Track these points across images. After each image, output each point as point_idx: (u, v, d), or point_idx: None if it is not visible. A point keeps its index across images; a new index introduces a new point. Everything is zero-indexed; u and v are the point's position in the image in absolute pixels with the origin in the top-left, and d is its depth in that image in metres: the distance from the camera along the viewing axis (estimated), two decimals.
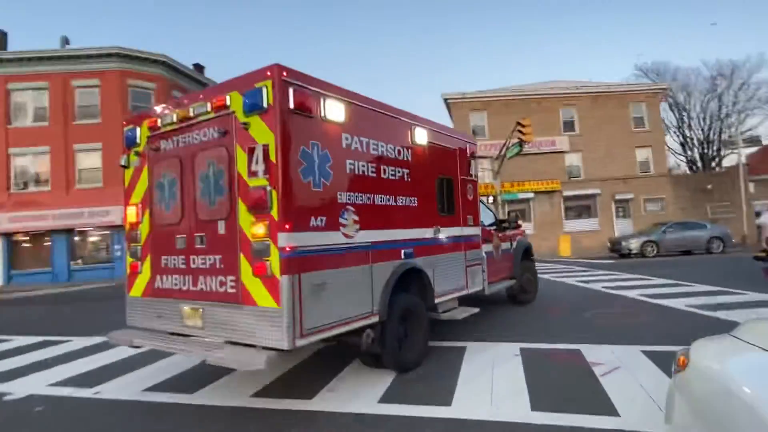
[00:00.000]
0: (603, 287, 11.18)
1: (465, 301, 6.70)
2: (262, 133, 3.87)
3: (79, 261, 24.54)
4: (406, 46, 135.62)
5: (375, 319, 4.66)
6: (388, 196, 5.07)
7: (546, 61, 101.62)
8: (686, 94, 42.17)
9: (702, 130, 42.49)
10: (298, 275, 3.80)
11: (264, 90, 3.84)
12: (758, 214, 28.67)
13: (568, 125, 29.63)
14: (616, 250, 21.48)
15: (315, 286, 3.96)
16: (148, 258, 4.91)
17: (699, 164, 42.92)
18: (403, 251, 5.20)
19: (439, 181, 6.18)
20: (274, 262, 3.75)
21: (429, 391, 4.47)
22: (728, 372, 1.72)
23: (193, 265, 4.44)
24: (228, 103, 4.10)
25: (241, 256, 3.99)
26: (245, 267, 3.95)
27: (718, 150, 41.75)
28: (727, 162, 40.05)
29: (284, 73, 3.90)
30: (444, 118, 30.09)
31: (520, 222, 9.35)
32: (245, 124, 3.96)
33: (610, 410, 3.77)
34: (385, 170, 5.07)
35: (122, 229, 20.54)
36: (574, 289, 11.15)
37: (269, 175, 3.79)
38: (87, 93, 24.42)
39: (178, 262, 4.57)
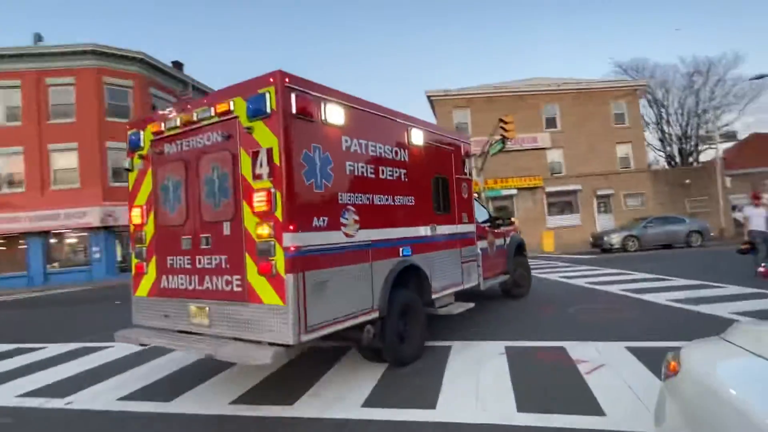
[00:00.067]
0: (586, 282, 11.25)
1: (460, 296, 6.82)
2: (266, 137, 4.00)
3: (56, 264, 23.90)
4: (388, 44, 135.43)
5: (375, 314, 4.82)
6: (386, 196, 5.23)
7: (528, 58, 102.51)
8: (664, 91, 42.89)
9: (680, 125, 43.29)
10: (302, 273, 3.94)
11: (267, 95, 3.97)
12: (734, 208, 29.40)
13: (550, 122, 29.90)
14: (598, 245, 21.74)
15: (318, 283, 4.11)
16: (154, 259, 5.02)
17: (677, 159, 43.73)
18: (401, 249, 5.36)
19: (435, 181, 6.32)
20: (279, 261, 3.89)
21: (413, 393, 4.39)
22: (721, 379, 1.67)
23: (198, 265, 4.55)
24: (232, 108, 4.23)
25: (247, 255, 4.13)
26: (251, 266, 4.09)
27: (696, 145, 42.57)
28: (705, 157, 40.90)
29: (286, 79, 4.03)
30: (427, 115, 30.11)
31: (513, 219, 9.45)
32: (249, 128, 4.10)
33: (596, 410, 3.73)
34: (383, 171, 5.22)
35: (99, 231, 20.12)
36: (557, 285, 11.20)
37: (273, 177, 3.93)
38: (61, 91, 23.73)
39: (184, 263, 4.69)
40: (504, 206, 28.05)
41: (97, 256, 23.50)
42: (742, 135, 40.62)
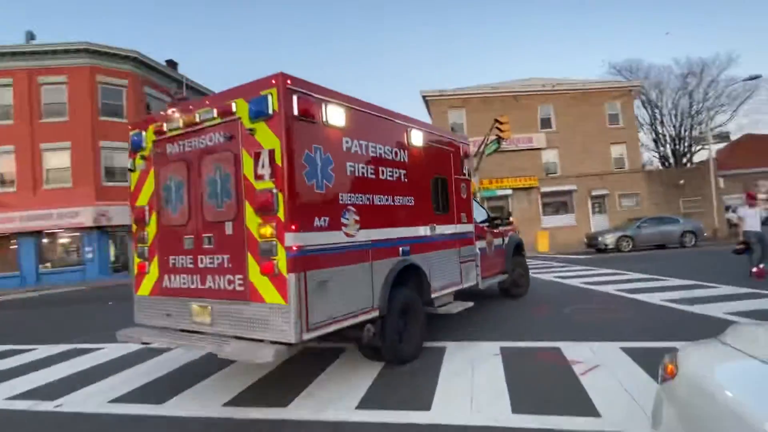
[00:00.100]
0: (581, 282, 11.26)
1: (459, 295, 6.87)
2: (268, 138, 4.05)
3: (48, 264, 23.71)
4: (384, 43, 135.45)
5: (375, 313, 4.87)
6: (386, 196, 5.28)
7: (523, 58, 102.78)
8: (658, 92, 43.11)
9: (674, 126, 43.53)
10: (303, 273, 3.99)
11: (269, 97, 4.01)
12: (728, 209, 29.58)
13: (545, 122, 29.96)
14: (593, 245, 21.79)
15: (319, 283, 4.15)
16: (156, 258, 5.05)
17: (671, 160, 43.95)
18: (401, 249, 5.41)
19: (434, 181, 6.39)
20: (281, 260, 3.94)
21: (408, 395, 4.36)
22: (718, 382, 1.64)
23: (201, 265, 4.59)
24: (234, 109, 4.27)
25: (249, 255, 4.17)
26: (253, 266, 4.13)
27: (689, 146, 42.80)
28: (698, 158, 41.15)
29: (288, 81, 4.08)
30: (422, 115, 30.09)
31: (512, 219, 9.42)
32: (251, 129, 4.14)
33: (591, 411, 3.71)
34: (383, 171, 5.27)
35: (92, 231, 20.01)
36: (552, 285, 11.21)
37: (275, 178, 3.98)
38: (54, 90, 23.54)
39: (186, 262, 4.73)
40: (502, 206, 28.08)
41: (90, 256, 23.33)
42: (735, 136, 40.88)
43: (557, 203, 29.79)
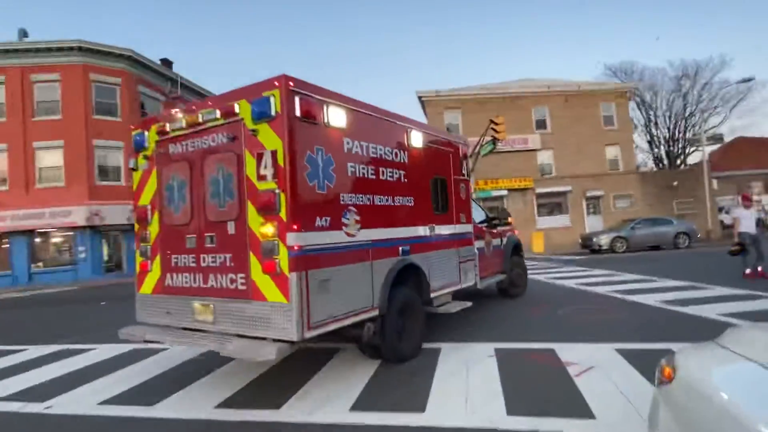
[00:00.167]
0: (575, 283, 11.28)
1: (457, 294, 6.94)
2: (271, 139, 4.11)
3: (40, 263, 23.50)
4: (380, 43, 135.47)
5: (375, 312, 4.93)
6: (386, 197, 5.34)
7: (518, 59, 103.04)
8: (653, 94, 43.36)
9: (668, 128, 43.78)
10: (305, 272, 4.05)
11: (272, 99, 4.07)
12: (721, 210, 29.76)
13: (541, 123, 30.01)
14: (588, 246, 21.86)
15: (321, 282, 4.21)
16: (158, 257, 5.10)
17: (665, 162, 44.19)
18: (400, 248, 5.46)
19: (434, 181, 6.45)
20: (283, 260, 4.00)
21: (402, 396, 4.33)
22: (716, 385, 1.62)
23: (203, 264, 4.64)
24: (237, 110, 4.31)
25: (251, 254, 4.22)
26: (255, 265, 4.19)
27: (683, 148, 43.07)
28: (692, 159, 41.40)
29: (291, 83, 4.14)
30: (418, 116, 30.07)
31: (510, 219, 9.45)
32: (254, 130, 4.19)
33: (586, 413, 3.69)
34: (383, 172, 5.33)
35: (85, 230, 19.87)
36: (547, 286, 11.21)
37: (278, 178, 4.04)
38: (47, 88, 23.35)
39: (189, 261, 4.78)
40: (503, 207, 28.13)
41: (83, 255, 23.14)
42: (728, 138, 41.15)
43: (552, 204, 29.85)
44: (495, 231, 8.68)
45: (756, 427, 1.40)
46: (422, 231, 6.00)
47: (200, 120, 4.61)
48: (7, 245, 23.01)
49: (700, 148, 30.19)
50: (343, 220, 4.62)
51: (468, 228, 7.31)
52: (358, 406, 4.15)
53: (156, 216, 5.12)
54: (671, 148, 43.92)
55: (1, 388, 5.37)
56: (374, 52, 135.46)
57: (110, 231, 24.13)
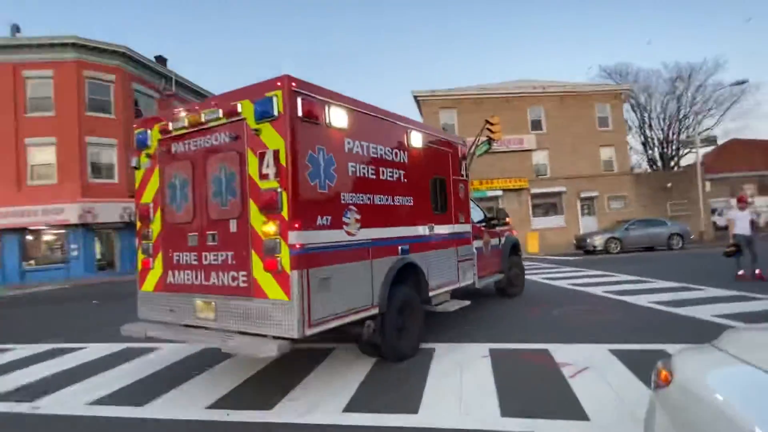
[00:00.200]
0: (570, 284, 11.29)
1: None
2: (273, 139, 4.16)
3: (32, 261, 23.24)
4: (375, 42, 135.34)
5: (375, 311, 4.99)
6: (386, 196, 5.40)
7: (515, 60, 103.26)
8: (647, 96, 43.53)
9: (662, 130, 43.97)
10: (306, 270, 4.10)
11: (275, 99, 4.12)
12: (714, 211, 29.93)
13: (536, 124, 30.06)
14: (582, 247, 21.93)
15: (321, 280, 4.27)
16: (160, 255, 5.15)
17: (659, 163, 44.41)
18: (400, 248, 5.52)
19: (433, 182, 6.53)
20: (284, 258, 4.05)
21: (396, 397, 4.29)
22: (716, 390, 1.60)
23: (205, 261, 4.69)
24: (239, 110, 4.36)
25: (253, 252, 4.27)
26: (257, 263, 4.24)
27: (677, 149, 43.29)
28: (685, 161, 41.59)
29: (293, 84, 4.19)
30: (414, 116, 30.00)
31: (508, 219, 9.52)
32: (256, 130, 4.24)
33: (580, 414, 3.68)
34: (383, 172, 5.40)
35: (77, 228, 19.65)
36: (541, 286, 11.22)
37: (280, 178, 4.09)
38: (39, 84, 23.07)
39: (191, 259, 4.82)
40: (501, 207, 28.17)
41: (75, 253, 22.93)
42: (722, 140, 41.44)
43: (547, 204, 29.91)
44: (493, 231, 8.76)
45: (753, 431, 1.38)
46: (421, 230, 6.06)
47: (203, 119, 4.65)
48: None
49: (693, 150, 30.36)
50: (344, 219, 4.68)
51: (466, 228, 7.37)
52: (351, 406, 4.11)
53: (158, 214, 5.16)
54: (665, 150, 44.14)
55: None
56: (370, 50, 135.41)
57: (103, 229, 23.93)
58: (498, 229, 8.98)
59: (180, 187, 4.92)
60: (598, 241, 21.16)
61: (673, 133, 43.32)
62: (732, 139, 44.92)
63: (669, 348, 5.20)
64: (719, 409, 1.50)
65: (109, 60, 24.34)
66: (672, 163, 43.17)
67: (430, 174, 6.47)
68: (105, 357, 6.39)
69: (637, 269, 13.54)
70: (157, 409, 4.34)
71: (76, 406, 4.55)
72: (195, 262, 4.78)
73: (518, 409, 3.84)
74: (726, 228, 11.00)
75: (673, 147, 43.45)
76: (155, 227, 5.21)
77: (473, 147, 21.66)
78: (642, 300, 8.50)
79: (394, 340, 5.25)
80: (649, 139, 44.89)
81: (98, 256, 24.10)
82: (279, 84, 4.15)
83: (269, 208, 4.13)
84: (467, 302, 6.87)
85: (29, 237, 23.27)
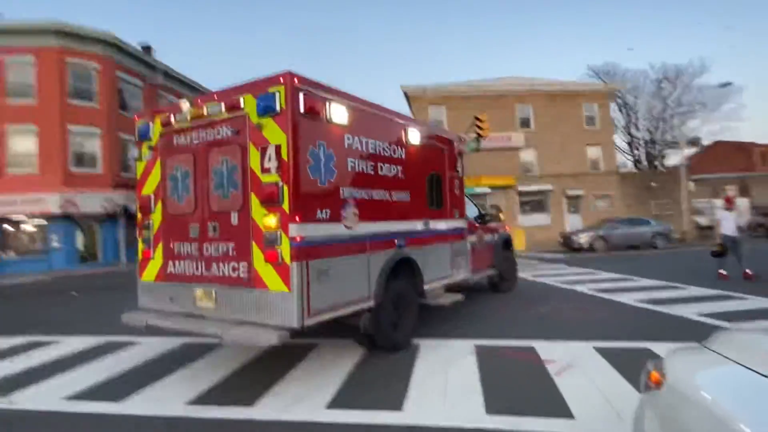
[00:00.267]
0: (555, 282, 11.36)
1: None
2: (275, 133, 4.25)
3: (11, 252, 22.71)
4: (364, 35, 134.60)
5: (371, 302, 5.10)
6: (384, 192, 5.51)
7: (504, 57, 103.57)
8: (634, 96, 44.02)
9: (648, 130, 44.53)
10: (306, 262, 4.21)
11: (277, 95, 4.21)
12: (697, 212, 30.38)
13: (524, 122, 30.17)
14: (567, 245, 22.08)
15: (320, 272, 4.38)
16: (161, 245, 5.22)
17: (644, 163, 44.97)
18: (396, 242, 5.62)
19: (430, 178, 6.61)
20: (284, 250, 4.15)
21: (380, 394, 4.25)
22: (709, 392, 1.57)
23: (206, 252, 4.77)
24: (242, 104, 4.45)
25: (254, 244, 4.36)
26: (257, 254, 4.34)
27: (662, 150, 43.88)
28: (670, 162, 42.18)
29: (296, 80, 4.28)
30: (403, 111, 29.89)
31: (502, 216, 9.73)
32: (259, 125, 4.34)
33: (565, 412, 3.67)
34: (381, 167, 5.49)
35: (59, 219, 19.25)
36: (527, 284, 11.25)
37: (281, 172, 4.18)
38: (20, 70, 22.43)
39: (191, 249, 4.90)
40: (495, 204, 28.26)
41: (56, 245, 22.45)
42: (706, 141, 42.04)
43: (534, 202, 30.09)
44: (487, 227, 8.92)
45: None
46: (418, 225, 6.17)
47: (205, 113, 4.73)
48: None
49: (678, 151, 30.76)
50: (343, 213, 4.77)
51: (461, 223, 7.48)
52: (335, 403, 4.06)
53: (159, 205, 5.22)
54: (650, 150, 44.71)
55: None
56: (359, 42, 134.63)
57: (85, 220, 23.46)
58: (492, 225, 9.15)
59: (181, 179, 5.00)
60: (584, 239, 21.33)
61: (659, 134, 43.90)
62: (715, 141, 45.63)
63: (653, 346, 5.25)
64: (713, 411, 1.47)
65: (94, 48, 23.76)
66: (656, 164, 43.75)
67: (427, 170, 6.56)
68: (83, 351, 6.25)
69: (621, 267, 13.67)
70: (137, 404, 4.25)
71: (52, 401, 4.42)
72: (196, 253, 4.86)
73: (503, 406, 3.82)
74: (710, 228, 11.14)
75: (658, 147, 44.04)
76: (156, 218, 5.27)
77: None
78: (626, 298, 8.57)
79: (389, 331, 5.38)
80: (635, 139, 45.45)
81: (80, 248, 23.63)
82: (282, 80, 4.23)
83: (270, 202, 4.21)
84: (461, 296, 6.97)
85: (8, 227, 22.72)
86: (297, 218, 4.17)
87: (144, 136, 5.37)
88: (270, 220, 4.22)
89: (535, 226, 28.91)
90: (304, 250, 4.20)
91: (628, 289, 9.57)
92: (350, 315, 4.83)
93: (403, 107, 31.69)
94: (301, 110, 4.29)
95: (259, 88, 4.37)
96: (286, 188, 4.17)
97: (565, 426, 3.45)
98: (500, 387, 4.27)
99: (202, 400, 4.28)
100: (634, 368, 4.41)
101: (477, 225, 8.52)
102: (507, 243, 9.76)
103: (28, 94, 22.42)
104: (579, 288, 10.12)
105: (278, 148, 4.20)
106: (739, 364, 1.59)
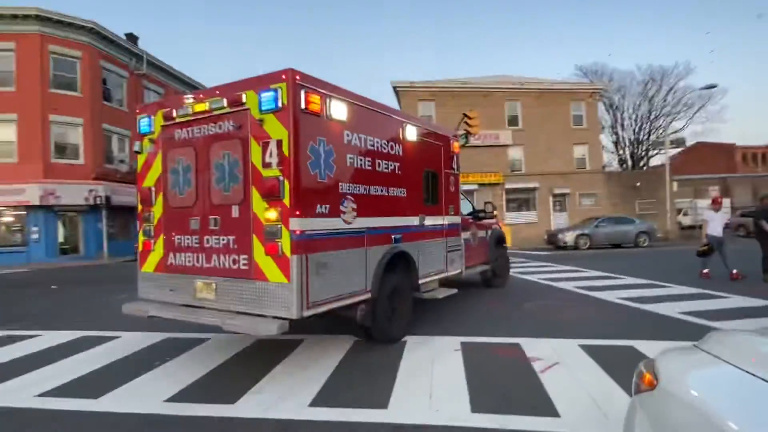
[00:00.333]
0: (540, 279, 11.42)
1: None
2: (277, 129, 4.32)
3: None
4: (354, 29, 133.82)
5: (368, 295, 5.22)
6: (381, 187, 5.61)
7: (496, 55, 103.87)
8: (621, 96, 44.49)
9: (633, 130, 45.06)
10: (305, 255, 4.32)
11: (279, 91, 4.27)
12: (680, 212, 30.84)
13: (513, 120, 30.27)
14: (553, 242, 22.27)
15: (319, 265, 4.50)
16: (161, 237, 5.29)
17: (629, 163, 45.52)
18: (393, 236, 5.77)
19: (426, 174, 6.74)
20: (285, 243, 4.25)
21: (365, 391, 4.19)
22: (703, 394, 1.53)
23: (206, 245, 4.87)
24: (244, 100, 4.51)
25: (254, 237, 4.46)
26: (258, 247, 4.43)
27: (647, 150, 44.43)
28: (655, 161, 42.76)
29: (297, 77, 4.35)
30: (392, 106, 29.79)
31: (496, 213, 9.90)
32: (260, 120, 4.41)
33: (550, 410, 3.65)
34: (379, 164, 5.59)
35: (39, 210, 18.86)
36: (513, 281, 11.27)
37: (282, 166, 4.28)
38: (0, 57, 21.87)
39: (192, 242, 4.99)
40: (489, 201, 28.29)
41: (36, 236, 21.97)
42: (690, 142, 42.71)
43: (520, 200, 30.27)
44: (481, 223, 9.13)
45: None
46: (414, 221, 6.29)
47: (207, 108, 4.78)
48: None
49: (662, 151, 31.14)
50: (342, 207, 4.88)
51: (456, 220, 7.61)
52: (318, 401, 3.99)
53: (160, 198, 5.29)
54: (636, 150, 45.26)
55: None
56: (349, 37, 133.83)
57: (66, 212, 22.97)
58: (485, 221, 9.32)
59: (183, 173, 5.07)
60: (569, 237, 21.52)
61: (644, 134, 44.46)
62: (698, 142, 46.39)
63: (637, 344, 5.27)
64: (707, 413, 1.43)
65: (76, 35, 23.22)
66: (642, 163, 44.31)
67: (424, 167, 6.66)
68: (60, 345, 6.08)
69: (605, 266, 13.79)
70: (113, 401, 4.12)
71: (25, 398, 4.27)
72: (196, 245, 4.94)
73: (489, 404, 3.78)
74: (692, 228, 11.25)
75: (643, 147, 44.59)
76: (157, 210, 5.34)
77: None
78: (611, 296, 8.63)
79: (385, 323, 5.53)
80: (621, 139, 45.97)
81: (61, 240, 23.15)
82: (284, 77, 4.29)
83: (271, 195, 4.29)
84: (454, 290, 7.13)
85: None
86: (297, 212, 4.27)
87: (145, 129, 5.41)
88: (271, 214, 4.30)
89: (522, 223, 29.08)
90: (304, 244, 4.30)
91: (613, 287, 9.63)
92: (347, 307, 4.95)
93: (392, 102, 31.57)
94: (303, 107, 4.36)
95: (261, 84, 4.42)
96: (287, 183, 4.25)
97: (550, 424, 3.42)
98: (486, 385, 4.23)
99: (181, 397, 4.17)
100: (619, 366, 4.44)
101: (471, 221, 8.69)
102: (500, 239, 9.97)
103: (8, 82, 21.89)
104: (564, 285, 10.17)
105: (279, 143, 4.27)
106: (732, 365, 1.56)
